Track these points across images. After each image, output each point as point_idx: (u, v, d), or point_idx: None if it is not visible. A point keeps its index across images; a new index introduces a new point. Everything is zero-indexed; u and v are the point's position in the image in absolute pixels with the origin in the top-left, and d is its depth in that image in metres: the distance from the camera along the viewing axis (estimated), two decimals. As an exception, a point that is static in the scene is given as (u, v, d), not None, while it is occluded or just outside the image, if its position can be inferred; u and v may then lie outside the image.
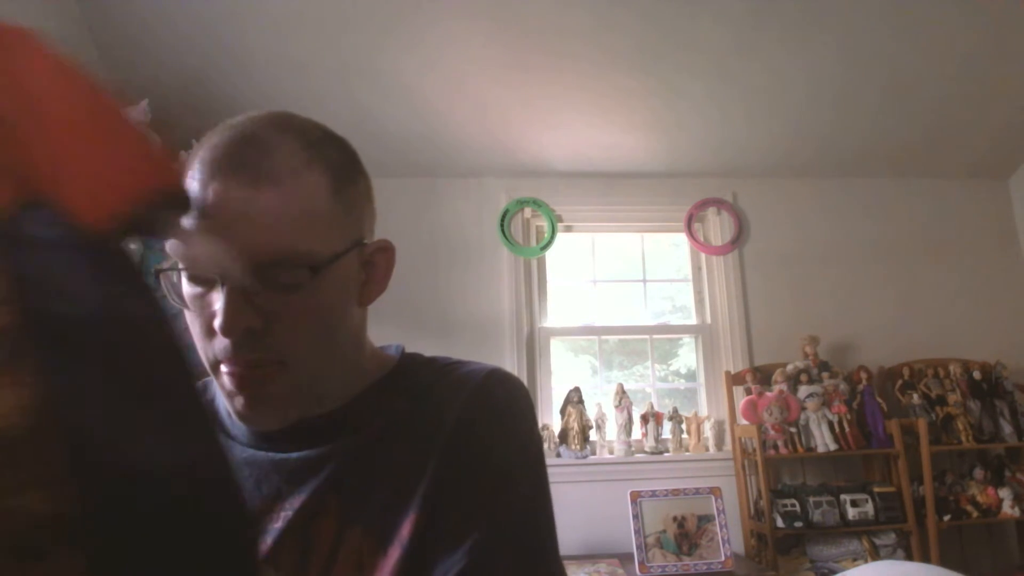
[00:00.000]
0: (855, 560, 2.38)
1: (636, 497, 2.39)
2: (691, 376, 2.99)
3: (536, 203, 2.91)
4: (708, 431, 2.72)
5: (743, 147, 2.88)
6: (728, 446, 2.72)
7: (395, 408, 0.64)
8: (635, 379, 3.00)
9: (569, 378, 2.85)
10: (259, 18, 2.21)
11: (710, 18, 2.28)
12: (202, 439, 0.35)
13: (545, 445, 2.59)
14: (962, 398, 2.66)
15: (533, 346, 2.83)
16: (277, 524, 0.59)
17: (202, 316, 0.57)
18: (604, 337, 2.97)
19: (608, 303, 3.02)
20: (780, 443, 2.52)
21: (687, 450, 2.71)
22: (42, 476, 0.28)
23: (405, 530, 0.56)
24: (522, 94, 2.55)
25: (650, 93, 2.58)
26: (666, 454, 2.67)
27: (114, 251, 0.37)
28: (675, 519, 2.38)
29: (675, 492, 2.42)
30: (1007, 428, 2.64)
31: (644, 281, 3.04)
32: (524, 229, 2.93)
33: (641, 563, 2.28)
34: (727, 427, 2.74)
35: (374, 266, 0.64)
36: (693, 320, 2.98)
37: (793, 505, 2.42)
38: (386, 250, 0.65)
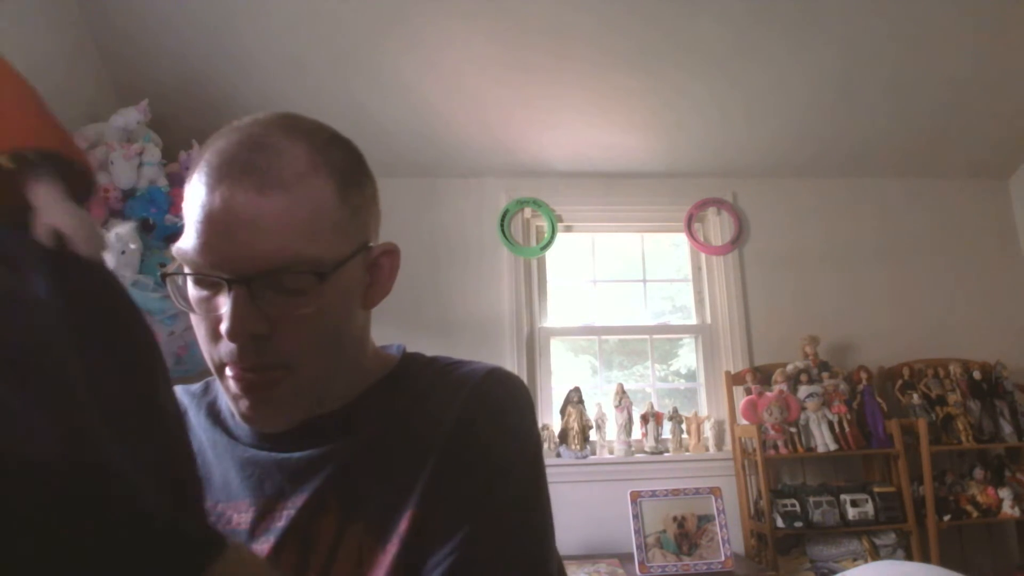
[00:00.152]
0: (855, 560, 2.38)
1: (636, 497, 2.39)
2: (691, 376, 2.99)
3: (536, 203, 2.91)
4: (708, 431, 2.73)
5: (743, 147, 2.88)
6: (728, 446, 2.72)
7: (396, 408, 0.64)
8: (635, 379, 3.00)
9: (569, 378, 2.85)
10: (259, 18, 2.21)
11: (710, 18, 2.28)
12: (65, 423, 0.33)
13: (545, 445, 2.59)
14: (962, 398, 2.66)
15: (533, 346, 2.83)
16: (280, 523, 0.59)
17: (208, 320, 0.57)
18: (604, 337, 2.97)
19: (608, 303, 3.02)
20: (780, 443, 2.52)
21: (687, 450, 2.71)
22: None
23: (403, 525, 0.56)
24: (522, 94, 2.55)
25: (650, 93, 2.58)
26: (666, 454, 2.67)
27: None
28: (675, 519, 2.38)
29: (675, 492, 2.42)
30: (1007, 428, 2.64)
31: (644, 281, 3.04)
32: (524, 229, 2.93)
33: (641, 563, 2.28)
34: (727, 427, 2.74)
35: (379, 268, 0.64)
36: (693, 320, 2.98)
37: (793, 505, 2.42)
38: (391, 253, 0.65)
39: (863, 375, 2.70)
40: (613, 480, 2.57)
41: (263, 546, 0.58)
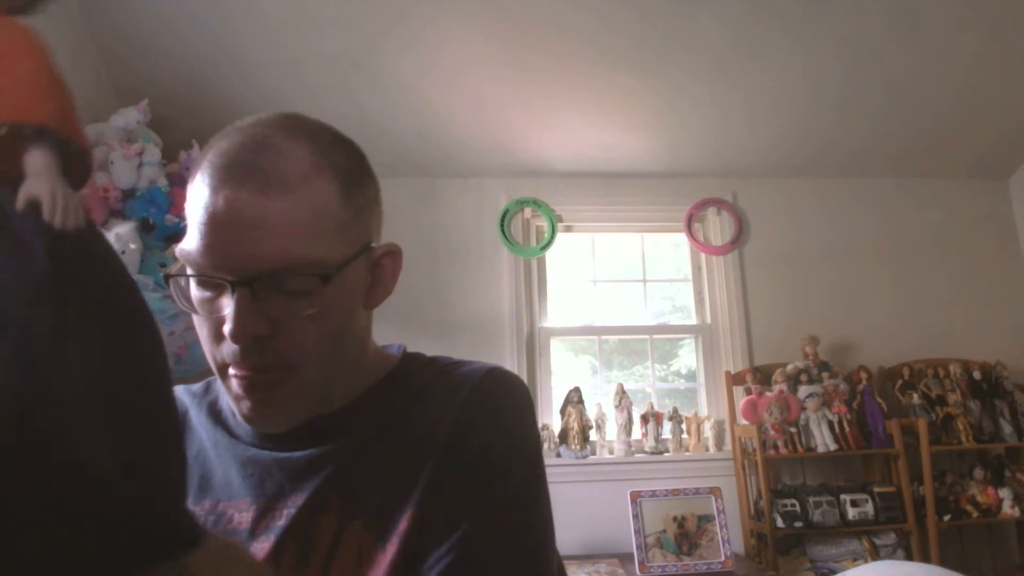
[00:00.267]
0: (855, 560, 2.38)
1: (636, 497, 2.39)
2: (691, 376, 2.99)
3: (536, 203, 2.91)
4: (708, 431, 2.72)
5: (743, 147, 2.88)
6: (728, 446, 2.72)
7: (396, 408, 0.64)
8: (635, 379, 3.00)
9: (569, 378, 2.85)
10: (258, 18, 2.21)
11: (710, 18, 2.28)
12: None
13: (545, 445, 2.59)
14: (962, 398, 2.66)
15: (533, 346, 2.83)
16: (280, 522, 0.59)
17: (210, 320, 0.57)
18: (604, 337, 2.97)
19: (608, 303, 3.02)
20: (780, 443, 2.52)
21: (687, 450, 2.71)
22: None
23: (403, 525, 0.56)
24: (522, 94, 2.55)
25: (650, 93, 2.58)
26: (666, 454, 2.67)
27: None
28: (675, 519, 2.38)
29: (675, 492, 2.42)
30: (1007, 428, 2.64)
31: (644, 281, 3.04)
32: (524, 229, 2.93)
33: (641, 563, 2.28)
34: (727, 427, 2.74)
35: (381, 269, 0.64)
36: (693, 320, 2.98)
37: (793, 505, 2.42)
38: (393, 253, 0.65)
39: (863, 375, 2.70)
40: (613, 480, 2.57)
41: (264, 545, 0.58)
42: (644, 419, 2.70)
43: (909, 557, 2.41)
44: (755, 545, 2.53)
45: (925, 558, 2.39)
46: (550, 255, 2.96)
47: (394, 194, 3.10)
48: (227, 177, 0.54)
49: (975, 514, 2.50)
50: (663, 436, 2.71)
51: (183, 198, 0.58)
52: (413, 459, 0.59)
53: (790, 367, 2.68)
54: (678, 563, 2.29)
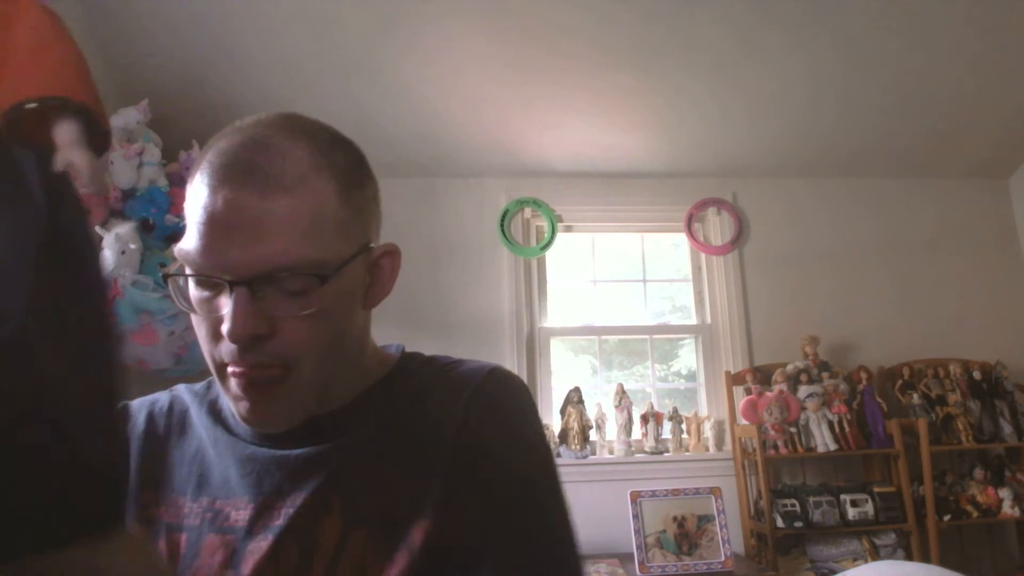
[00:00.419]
0: (855, 560, 2.38)
1: (636, 497, 2.39)
2: (691, 376, 2.99)
3: (536, 203, 2.91)
4: (708, 431, 2.72)
5: (743, 147, 2.88)
6: (728, 446, 2.72)
7: (396, 408, 0.64)
8: (635, 379, 3.00)
9: (569, 378, 2.85)
10: (258, 18, 2.21)
11: (710, 17, 2.28)
12: None
13: (545, 445, 2.59)
14: (962, 398, 2.66)
15: (533, 346, 2.83)
16: (278, 522, 0.59)
17: (209, 320, 0.57)
18: (604, 337, 2.97)
19: (608, 303, 3.02)
20: (780, 443, 2.52)
21: (687, 450, 2.71)
22: None
23: (415, 537, 0.56)
24: (522, 93, 2.55)
25: (650, 92, 2.58)
26: (666, 454, 2.67)
27: None
28: (675, 519, 2.38)
29: (675, 492, 2.42)
30: (1007, 428, 2.64)
31: (644, 281, 3.04)
32: (524, 229, 2.93)
33: (641, 563, 2.28)
34: (727, 427, 2.74)
35: (380, 269, 0.64)
36: (693, 320, 2.98)
37: (793, 505, 2.42)
38: (392, 254, 0.65)
39: (863, 375, 2.70)
40: (613, 480, 2.57)
41: (261, 544, 0.58)
42: (644, 419, 2.70)
43: (909, 557, 2.41)
44: (755, 545, 2.53)
45: (925, 558, 2.39)
46: (550, 255, 2.96)
47: (394, 194, 3.09)
48: (226, 177, 0.54)
49: (975, 514, 2.50)
50: (663, 436, 2.71)
51: (183, 198, 0.59)
52: (418, 464, 0.59)
53: (790, 367, 2.68)
54: (678, 563, 2.29)
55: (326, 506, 0.59)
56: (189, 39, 2.26)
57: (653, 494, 2.40)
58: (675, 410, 2.74)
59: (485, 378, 0.64)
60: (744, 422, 2.58)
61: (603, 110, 2.64)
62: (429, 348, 0.73)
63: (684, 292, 3.06)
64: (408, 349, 0.72)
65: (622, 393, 2.70)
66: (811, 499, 2.43)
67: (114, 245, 1.76)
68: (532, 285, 2.90)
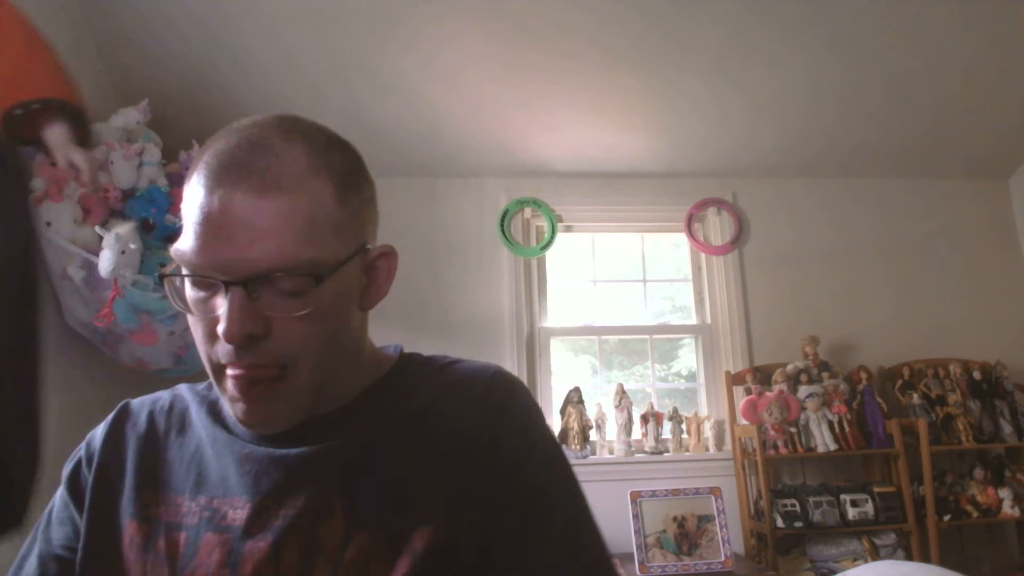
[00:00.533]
0: (855, 560, 2.38)
1: (636, 497, 2.39)
2: (691, 376, 2.99)
3: (536, 203, 2.91)
4: (708, 431, 2.72)
5: (743, 147, 2.88)
6: (728, 446, 2.72)
7: (395, 409, 0.64)
8: (635, 379, 3.00)
9: (569, 378, 2.85)
10: (258, 18, 2.21)
11: (710, 17, 2.28)
12: None
13: (545, 445, 2.58)
14: (962, 398, 2.66)
15: (533, 346, 2.83)
16: (278, 522, 0.59)
17: (205, 320, 0.57)
18: (604, 337, 2.97)
19: (608, 303, 3.02)
20: (780, 443, 2.52)
21: (687, 450, 2.71)
22: None
23: (417, 541, 0.56)
24: (522, 93, 2.55)
25: (650, 92, 2.58)
26: (666, 454, 2.67)
27: None
28: (675, 519, 2.38)
29: (675, 492, 2.42)
30: (1007, 428, 2.64)
31: (644, 281, 3.04)
32: (524, 229, 2.93)
33: (641, 563, 2.28)
34: (727, 427, 2.74)
35: (376, 271, 0.65)
36: (693, 320, 2.98)
37: (793, 505, 2.42)
38: (388, 255, 0.65)
39: (863, 375, 2.70)
40: (613, 480, 2.56)
41: (260, 544, 0.58)
42: (644, 419, 2.70)
43: (909, 557, 2.41)
44: (755, 545, 2.53)
45: (925, 558, 2.39)
46: (550, 255, 2.96)
47: (394, 194, 3.09)
48: (222, 178, 0.55)
49: (975, 514, 2.50)
50: (663, 436, 2.71)
51: (183, 199, 0.59)
52: (422, 467, 0.60)
53: (790, 367, 2.68)
54: (678, 563, 2.29)
55: (328, 507, 0.59)
56: (189, 39, 2.26)
57: (653, 494, 2.40)
58: (675, 410, 2.74)
59: (489, 385, 0.65)
60: (744, 422, 2.58)
61: (603, 110, 2.64)
62: (429, 348, 0.73)
63: (684, 292, 3.06)
64: (407, 349, 0.72)
65: (622, 393, 2.70)
66: (811, 499, 2.43)
67: (114, 245, 1.76)
68: (532, 285, 2.90)
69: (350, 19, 2.22)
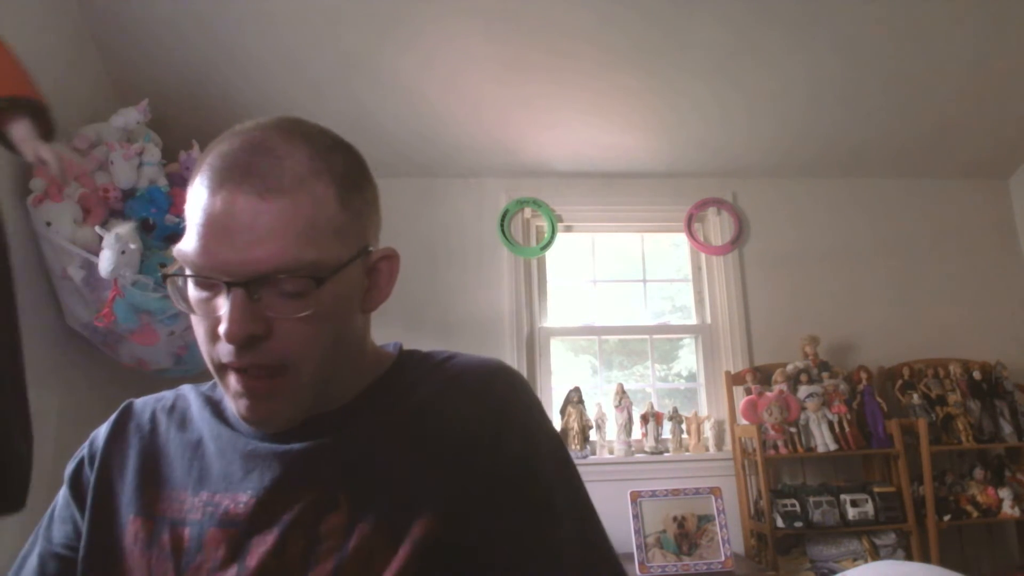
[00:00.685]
0: (855, 560, 2.38)
1: (636, 497, 2.39)
2: (691, 376, 2.99)
3: (536, 203, 2.91)
4: (708, 431, 2.73)
5: (743, 147, 2.88)
6: (728, 446, 2.72)
7: (396, 405, 0.65)
8: (635, 379, 3.00)
9: (569, 378, 2.85)
10: (258, 18, 2.21)
11: (710, 18, 2.28)
12: None
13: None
14: (962, 398, 2.66)
15: (533, 346, 2.83)
16: (283, 516, 0.59)
17: (207, 320, 0.58)
18: (604, 337, 2.97)
19: (608, 303, 3.02)
20: (780, 443, 2.52)
21: (687, 450, 2.71)
22: None
23: (417, 529, 0.57)
24: (522, 93, 2.55)
25: (650, 92, 2.58)
26: (666, 454, 2.67)
27: None
28: (675, 519, 2.38)
29: (675, 492, 2.42)
30: (1007, 428, 2.64)
31: (644, 281, 3.04)
32: (524, 229, 2.93)
33: (641, 563, 2.28)
34: (727, 427, 2.74)
35: (378, 273, 0.65)
36: (693, 320, 2.98)
37: (793, 505, 2.42)
38: (390, 258, 0.66)
39: (863, 375, 2.70)
40: (613, 480, 2.56)
41: (267, 538, 0.58)
42: (644, 419, 2.70)
43: (909, 557, 2.41)
44: (755, 545, 2.53)
45: (925, 558, 2.39)
46: (550, 255, 2.96)
47: (394, 194, 3.09)
48: (224, 179, 0.55)
49: (975, 514, 2.50)
50: (663, 436, 2.71)
51: (183, 198, 0.60)
52: (424, 460, 0.60)
53: (790, 367, 2.68)
54: (678, 563, 2.29)
55: (332, 501, 0.59)
56: (189, 39, 2.26)
57: (653, 494, 2.40)
58: (675, 410, 2.74)
59: (489, 380, 0.65)
60: (744, 422, 2.58)
61: (603, 110, 2.64)
62: (429, 348, 0.73)
63: (684, 292, 3.06)
64: (406, 348, 0.73)
65: (622, 393, 2.70)
66: (811, 499, 2.43)
67: (114, 245, 1.76)
68: (532, 285, 2.90)
69: (350, 19, 2.22)
